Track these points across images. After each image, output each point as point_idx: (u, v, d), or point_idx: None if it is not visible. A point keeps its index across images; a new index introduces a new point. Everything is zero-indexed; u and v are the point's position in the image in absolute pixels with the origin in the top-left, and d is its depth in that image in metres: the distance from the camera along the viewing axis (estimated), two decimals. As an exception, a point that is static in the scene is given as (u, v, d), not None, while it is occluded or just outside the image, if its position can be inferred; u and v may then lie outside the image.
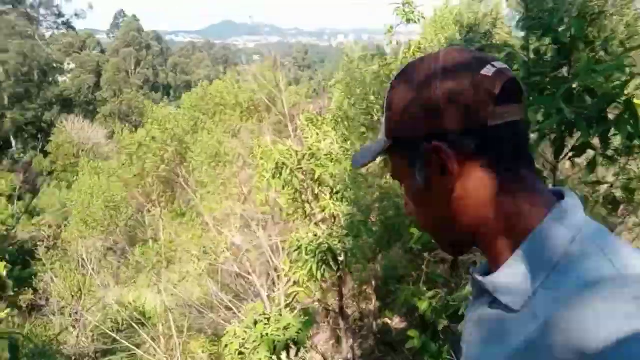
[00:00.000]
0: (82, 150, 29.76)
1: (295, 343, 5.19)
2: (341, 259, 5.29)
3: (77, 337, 8.59)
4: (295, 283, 5.31)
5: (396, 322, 9.53)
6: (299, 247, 5.33)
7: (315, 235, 5.03)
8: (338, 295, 6.27)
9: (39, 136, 37.04)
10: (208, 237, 8.73)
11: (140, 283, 10.11)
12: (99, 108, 43.92)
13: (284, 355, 5.22)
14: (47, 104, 40.11)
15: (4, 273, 8.43)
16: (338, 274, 6.15)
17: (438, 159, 0.66)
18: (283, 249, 8.08)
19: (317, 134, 5.92)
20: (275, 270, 8.43)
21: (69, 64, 46.08)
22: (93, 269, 8.95)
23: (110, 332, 8.62)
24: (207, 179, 8.32)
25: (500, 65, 0.66)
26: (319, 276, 4.97)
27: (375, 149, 0.74)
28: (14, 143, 37.25)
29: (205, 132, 10.28)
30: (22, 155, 35.49)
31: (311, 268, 4.99)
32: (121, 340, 8.40)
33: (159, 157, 11.10)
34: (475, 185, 0.66)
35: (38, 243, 11.61)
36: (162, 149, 11.12)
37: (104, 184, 11.47)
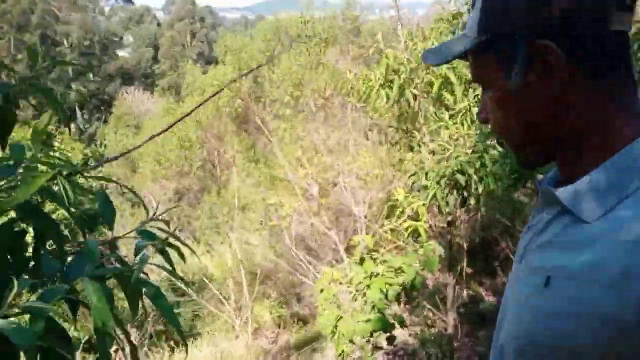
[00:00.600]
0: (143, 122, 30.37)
1: (410, 288, 4.28)
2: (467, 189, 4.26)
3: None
4: (409, 217, 4.36)
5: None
6: (416, 173, 4.35)
7: (445, 150, 4.02)
8: (448, 244, 5.26)
9: (102, 108, 38.22)
10: (283, 186, 7.98)
11: (211, 236, 9.62)
12: (157, 81, 44.74)
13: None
14: (108, 77, 41.41)
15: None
16: (449, 219, 5.16)
17: (543, 60, 0.59)
18: (365, 203, 7.18)
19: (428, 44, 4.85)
20: (355, 222, 7.59)
21: (127, 38, 47.18)
22: (162, 216, 8.50)
23: (180, 284, 8.17)
24: (289, 111, 7.49)
25: None
26: (443, 205, 3.99)
27: (460, 46, 0.64)
28: (79, 114, 38.65)
29: (285, 58, 9.44)
30: (87, 126, 36.85)
31: (435, 195, 4.00)
32: (192, 295, 7.94)
33: (234, 93, 10.52)
34: (576, 93, 0.59)
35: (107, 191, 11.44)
36: (237, 82, 10.55)
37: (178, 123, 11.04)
